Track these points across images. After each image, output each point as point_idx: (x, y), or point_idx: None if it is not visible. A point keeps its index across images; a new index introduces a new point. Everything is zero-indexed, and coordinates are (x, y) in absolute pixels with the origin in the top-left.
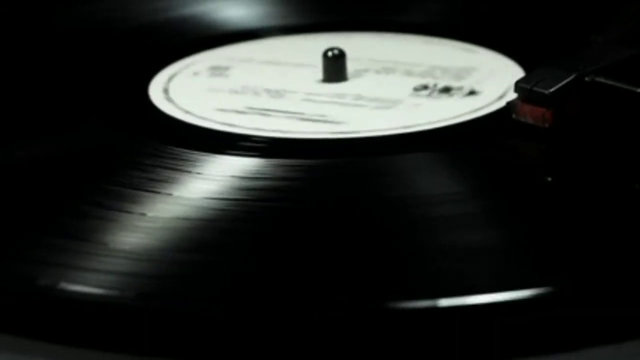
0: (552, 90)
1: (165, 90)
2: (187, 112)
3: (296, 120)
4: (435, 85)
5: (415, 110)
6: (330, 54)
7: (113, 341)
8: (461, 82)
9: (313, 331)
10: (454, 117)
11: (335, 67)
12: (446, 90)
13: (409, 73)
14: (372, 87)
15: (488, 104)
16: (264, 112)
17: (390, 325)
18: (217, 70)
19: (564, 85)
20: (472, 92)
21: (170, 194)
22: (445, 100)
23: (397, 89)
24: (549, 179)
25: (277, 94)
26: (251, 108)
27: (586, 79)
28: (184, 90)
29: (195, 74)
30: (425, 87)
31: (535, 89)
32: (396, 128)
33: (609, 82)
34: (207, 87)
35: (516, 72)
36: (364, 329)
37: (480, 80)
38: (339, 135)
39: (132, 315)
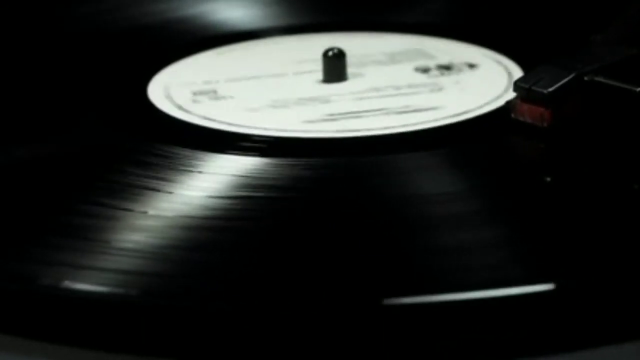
0: (550, 89)
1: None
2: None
3: (384, 115)
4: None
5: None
6: (330, 53)
7: (116, 340)
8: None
9: (315, 329)
10: (480, 107)
11: (335, 67)
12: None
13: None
14: (387, 80)
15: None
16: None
17: (390, 323)
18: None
19: (562, 85)
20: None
21: (172, 192)
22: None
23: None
24: (548, 178)
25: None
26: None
27: (585, 78)
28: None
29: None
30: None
31: (534, 88)
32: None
33: (608, 81)
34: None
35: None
36: (364, 327)
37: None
38: (385, 131)
39: (135, 313)
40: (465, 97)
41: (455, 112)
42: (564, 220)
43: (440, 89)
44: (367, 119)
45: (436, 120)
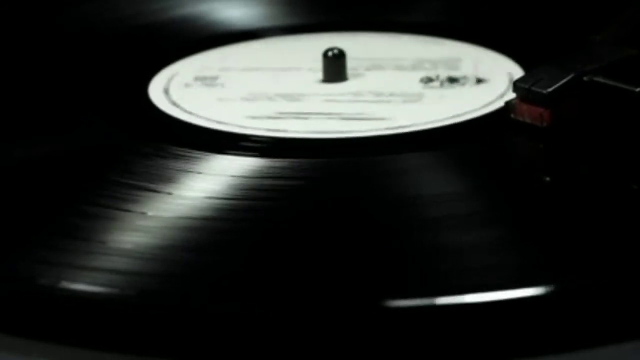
0: (550, 89)
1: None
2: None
3: (338, 120)
4: (438, 76)
5: (444, 101)
6: (330, 54)
7: (113, 340)
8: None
9: (314, 331)
10: (481, 108)
11: (335, 67)
12: (453, 80)
13: (413, 67)
14: (380, 84)
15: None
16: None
17: (389, 325)
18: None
19: (562, 85)
20: (479, 80)
21: (171, 193)
22: (460, 89)
23: (405, 83)
24: (547, 178)
25: (290, 97)
26: (282, 113)
27: (584, 78)
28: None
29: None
30: (430, 79)
31: (533, 88)
32: (446, 119)
33: (607, 81)
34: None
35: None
36: (363, 329)
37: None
38: (387, 131)
39: (133, 314)
40: (435, 110)
41: (404, 123)
42: (563, 220)
43: (418, 100)
44: (309, 121)
45: (439, 120)
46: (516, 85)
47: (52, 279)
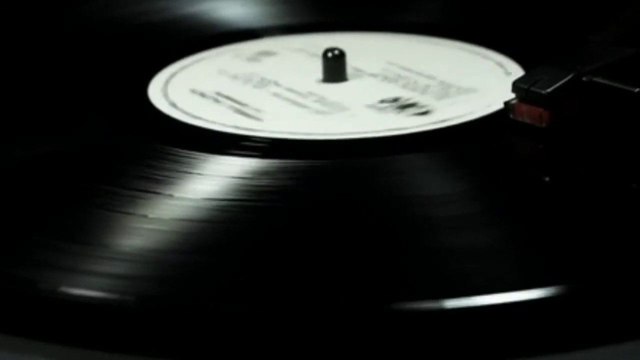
0: (549, 90)
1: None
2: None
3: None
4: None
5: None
6: (330, 54)
7: (115, 344)
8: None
9: (314, 332)
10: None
11: (335, 67)
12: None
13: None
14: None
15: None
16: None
17: (391, 326)
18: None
19: (561, 85)
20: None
21: (171, 195)
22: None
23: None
24: (547, 178)
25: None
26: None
27: (584, 78)
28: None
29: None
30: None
31: (532, 89)
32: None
33: (606, 82)
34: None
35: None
36: (365, 330)
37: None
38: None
39: (134, 317)
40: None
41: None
42: (563, 221)
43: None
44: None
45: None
46: (515, 85)
47: (52, 282)
